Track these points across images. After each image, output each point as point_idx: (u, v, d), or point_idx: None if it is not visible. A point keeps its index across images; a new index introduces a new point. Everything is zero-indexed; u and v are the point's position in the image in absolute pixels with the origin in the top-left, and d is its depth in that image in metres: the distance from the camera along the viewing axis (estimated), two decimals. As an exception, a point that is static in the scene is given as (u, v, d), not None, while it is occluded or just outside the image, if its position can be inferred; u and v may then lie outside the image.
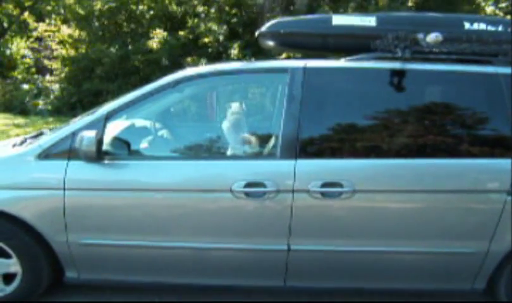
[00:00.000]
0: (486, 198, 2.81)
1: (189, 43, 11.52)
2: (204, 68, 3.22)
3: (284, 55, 8.71)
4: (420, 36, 2.91)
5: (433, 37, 2.87)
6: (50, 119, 11.51)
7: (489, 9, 13.82)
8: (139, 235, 2.90)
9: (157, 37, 11.27)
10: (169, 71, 10.70)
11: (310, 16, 3.75)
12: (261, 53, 10.64)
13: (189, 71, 3.14)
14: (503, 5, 14.02)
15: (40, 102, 13.26)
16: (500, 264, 2.87)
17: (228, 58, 10.41)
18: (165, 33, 11.31)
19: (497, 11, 13.78)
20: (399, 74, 2.90)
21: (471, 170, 2.81)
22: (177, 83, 3.03)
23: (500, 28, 3.09)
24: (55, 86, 13.61)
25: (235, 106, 3.76)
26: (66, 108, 12.76)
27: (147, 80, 11.58)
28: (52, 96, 13.29)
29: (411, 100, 2.95)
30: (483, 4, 13.63)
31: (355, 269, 2.94)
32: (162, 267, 2.98)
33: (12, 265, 3.00)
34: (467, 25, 3.09)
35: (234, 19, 11.64)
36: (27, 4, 16.28)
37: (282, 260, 2.87)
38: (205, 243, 2.90)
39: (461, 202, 2.81)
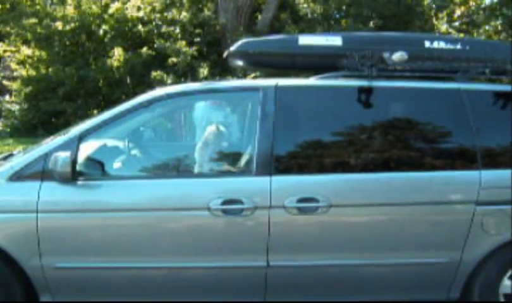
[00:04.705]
0: (456, 209, 2.93)
1: (153, 60, 11.49)
2: (176, 87, 3.25)
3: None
4: (386, 54, 3.04)
5: (398, 56, 3.00)
6: (10, 141, 11.20)
7: (443, 27, 14.43)
8: (115, 256, 2.87)
9: (117, 55, 11.17)
10: (131, 90, 10.53)
11: (277, 36, 3.86)
12: (227, 72, 10.75)
13: (161, 91, 3.16)
14: (456, 24, 14.67)
15: None
16: (472, 273, 2.95)
17: (195, 77, 10.43)
18: (122, 52, 11.21)
19: (451, 30, 14.40)
20: (367, 91, 3.01)
21: (440, 182, 2.92)
22: (150, 102, 3.04)
23: (458, 46, 3.26)
24: (15, 107, 13.29)
25: (211, 128, 3.77)
26: (26, 130, 12.47)
27: (108, 100, 11.50)
28: (11, 118, 12.97)
29: (380, 116, 3.07)
30: (436, 23, 14.22)
31: (333, 283, 2.98)
32: (139, 288, 2.95)
33: (-17, 292, 2.91)
34: (427, 44, 3.25)
35: (198, 39, 11.71)
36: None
37: (262, 276, 2.89)
38: (182, 262, 2.89)
39: (432, 214, 2.91)
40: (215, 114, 4.53)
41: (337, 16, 12.14)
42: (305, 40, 3.31)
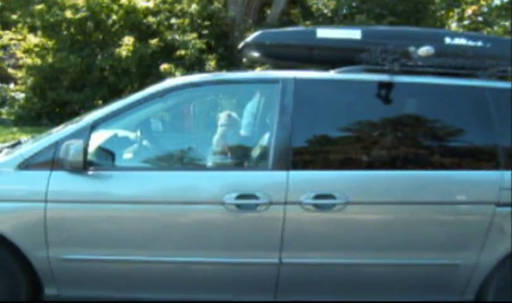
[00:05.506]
0: (476, 209, 2.85)
1: (161, 52, 11.42)
2: (191, 77, 3.17)
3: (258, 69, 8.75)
4: (412, 49, 2.95)
5: (424, 50, 2.91)
6: (15, 129, 11.16)
7: (453, 26, 14.31)
8: (125, 249, 2.80)
9: (126, 45, 11.09)
10: (138, 81, 10.49)
11: (295, 28, 3.77)
12: (234, 65, 10.68)
13: (175, 81, 3.09)
14: (466, 22, 14.56)
15: (4, 112, 12.87)
16: (489, 275, 2.89)
17: (202, 69, 10.37)
18: (132, 40, 11.14)
19: (461, 29, 14.29)
20: (389, 86, 2.93)
21: (461, 182, 2.85)
22: (164, 92, 2.96)
23: (479, 44, 3.18)
24: (20, 96, 13.25)
25: (223, 116, 3.72)
26: (30, 118, 12.44)
27: (114, 89, 11.44)
28: (16, 106, 12.94)
29: (401, 112, 3.00)
30: (447, 21, 14.12)
31: (347, 282, 2.91)
32: (148, 282, 2.88)
33: (-14, 283, 2.83)
34: (447, 40, 3.16)
35: (206, 31, 11.64)
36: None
37: (273, 274, 2.82)
38: (193, 257, 2.82)
39: (453, 213, 2.85)
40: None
41: (348, 12, 12.03)
42: (323, 32, 3.22)
